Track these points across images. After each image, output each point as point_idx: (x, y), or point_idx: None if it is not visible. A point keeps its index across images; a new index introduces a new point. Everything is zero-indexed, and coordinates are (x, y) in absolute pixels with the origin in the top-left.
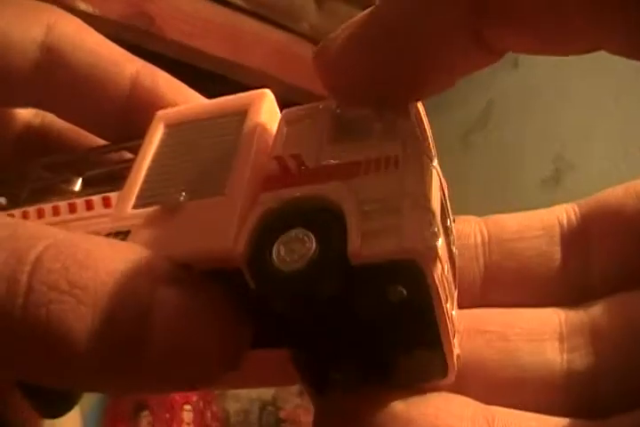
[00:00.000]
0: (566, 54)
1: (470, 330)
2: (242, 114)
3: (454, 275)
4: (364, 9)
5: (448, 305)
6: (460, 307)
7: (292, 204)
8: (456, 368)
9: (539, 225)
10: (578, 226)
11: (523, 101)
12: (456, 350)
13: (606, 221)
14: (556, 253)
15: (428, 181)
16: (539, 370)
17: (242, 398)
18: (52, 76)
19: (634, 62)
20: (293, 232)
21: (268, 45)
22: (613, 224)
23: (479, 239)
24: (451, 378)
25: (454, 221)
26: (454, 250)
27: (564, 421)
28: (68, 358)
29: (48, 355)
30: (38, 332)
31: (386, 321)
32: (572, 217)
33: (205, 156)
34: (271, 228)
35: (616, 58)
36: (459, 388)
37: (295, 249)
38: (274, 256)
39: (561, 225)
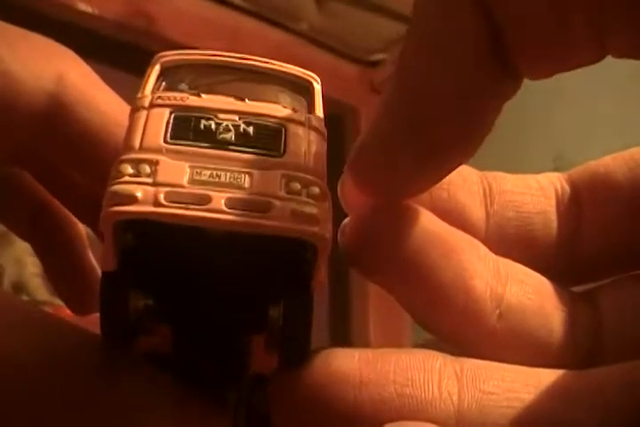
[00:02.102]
0: (574, 68)
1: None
2: None
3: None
4: (363, 9)
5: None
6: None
7: None
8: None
9: (537, 186)
10: (570, 193)
11: (521, 102)
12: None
13: (596, 190)
14: (553, 215)
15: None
16: None
17: None
18: (57, 130)
19: (631, 62)
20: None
21: (268, 45)
22: (603, 192)
23: (480, 187)
24: None
25: None
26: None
27: (542, 371)
28: None
29: None
30: None
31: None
32: (565, 184)
33: None
34: None
35: (613, 59)
36: None
37: None
38: None
39: (555, 190)
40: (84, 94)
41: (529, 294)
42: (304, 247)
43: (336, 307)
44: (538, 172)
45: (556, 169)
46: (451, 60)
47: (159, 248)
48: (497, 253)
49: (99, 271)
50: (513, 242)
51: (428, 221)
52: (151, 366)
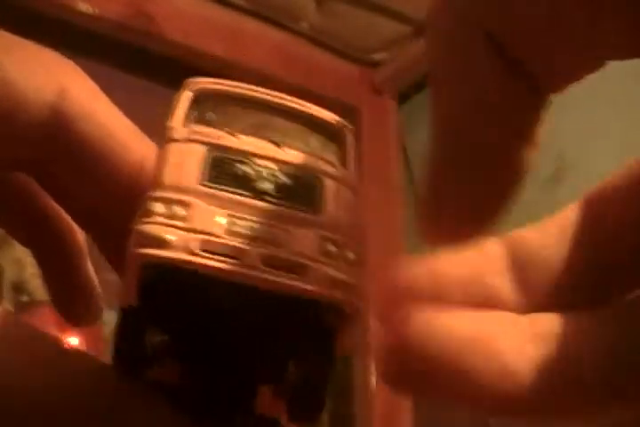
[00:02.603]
0: (578, 80)
1: None
2: None
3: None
4: (363, 9)
5: None
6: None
7: None
8: None
9: (556, 231)
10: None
11: None
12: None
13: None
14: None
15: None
16: None
17: None
18: (57, 142)
19: (631, 63)
20: None
21: (268, 45)
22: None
23: (505, 262)
24: None
25: None
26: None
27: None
28: None
29: None
30: None
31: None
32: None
33: None
34: None
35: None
36: None
37: None
38: None
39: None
40: (85, 108)
41: None
42: (334, 312)
43: None
44: (539, 171)
45: (557, 170)
46: (477, 100)
47: (184, 292)
48: (526, 309)
49: (96, 282)
50: (538, 293)
51: (461, 327)
52: (162, 398)
